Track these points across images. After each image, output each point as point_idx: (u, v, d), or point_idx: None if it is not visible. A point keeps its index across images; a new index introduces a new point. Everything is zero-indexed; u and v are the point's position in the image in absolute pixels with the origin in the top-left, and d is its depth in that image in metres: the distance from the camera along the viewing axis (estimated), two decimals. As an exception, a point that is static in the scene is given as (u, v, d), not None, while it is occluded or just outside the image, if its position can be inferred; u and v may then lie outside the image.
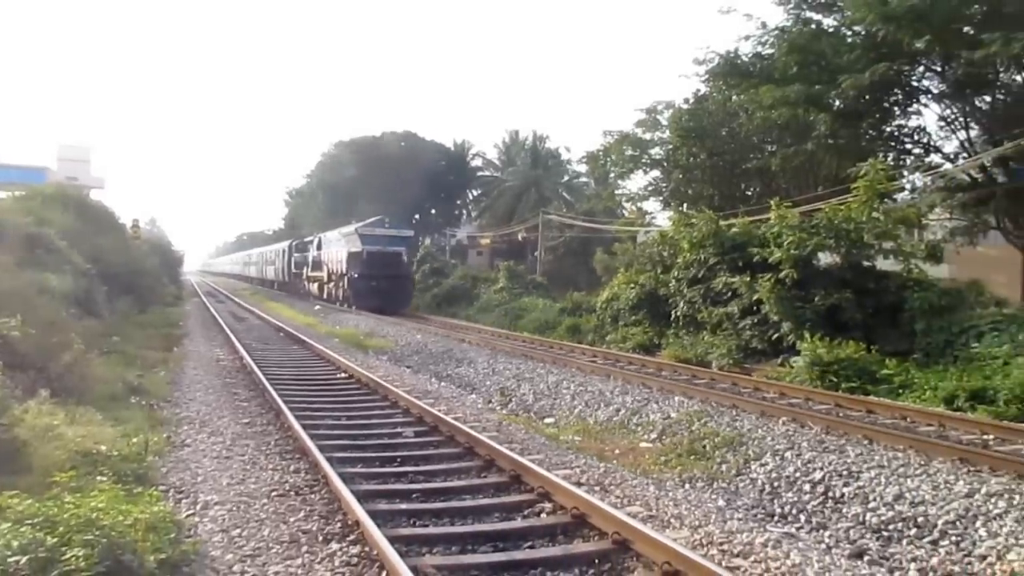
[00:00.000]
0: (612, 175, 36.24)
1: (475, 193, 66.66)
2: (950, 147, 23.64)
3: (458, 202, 66.98)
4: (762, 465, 9.29)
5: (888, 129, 23.95)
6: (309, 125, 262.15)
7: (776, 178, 27.37)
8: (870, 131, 23.45)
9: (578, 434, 11.60)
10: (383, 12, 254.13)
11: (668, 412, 12.08)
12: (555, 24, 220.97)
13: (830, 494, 8.20)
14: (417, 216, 58.34)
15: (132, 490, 5.86)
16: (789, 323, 16.69)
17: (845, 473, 8.52)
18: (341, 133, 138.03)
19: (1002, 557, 6.43)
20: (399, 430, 9.94)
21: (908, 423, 10.97)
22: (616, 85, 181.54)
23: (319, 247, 43.10)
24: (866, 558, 6.69)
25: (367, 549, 5.60)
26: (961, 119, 22.41)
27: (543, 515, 6.61)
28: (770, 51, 24.71)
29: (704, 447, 10.29)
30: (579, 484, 7.35)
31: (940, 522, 7.16)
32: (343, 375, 14.82)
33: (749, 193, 29.86)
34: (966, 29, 19.46)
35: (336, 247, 38.72)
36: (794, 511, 8.10)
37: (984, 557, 6.51)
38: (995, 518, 7.05)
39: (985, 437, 9.99)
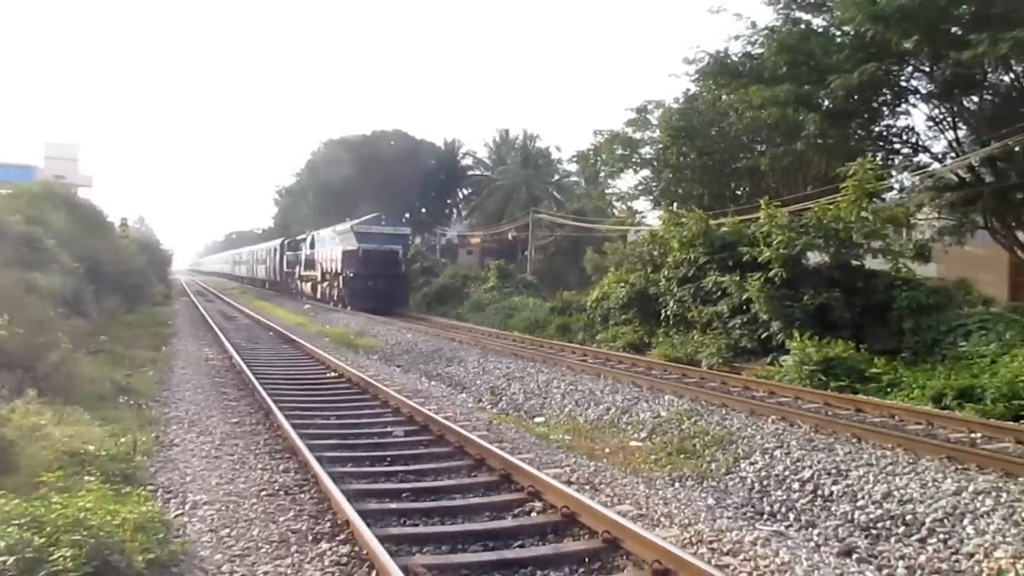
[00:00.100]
0: (602, 174, 36.18)
1: (465, 192, 66.57)
2: (938, 147, 23.77)
3: (448, 201, 66.92)
4: (751, 464, 9.32)
5: (877, 129, 24.02)
6: (298, 123, 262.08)
7: (765, 177, 27.43)
8: (859, 131, 23.52)
9: (568, 433, 11.62)
10: (374, 10, 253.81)
11: (658, 411, 12.11)
12: (545, 23, 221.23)
13: (819, 492, 8.24)
14: (408, 215, 58.13)
15: (120, 490, 5.82)
16: (778, 322, 16.75)
17: (834, 471, 8.56)
18: (331, 132, 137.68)
19: (989, 555, 6.47)
20: (389, 429, 9.93)
21: (896, 421, 11.02)
22: (606, 84, 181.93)
23: (312, 245, 42.00)
24: (854, 556, 6.73)
25: (357, 549, 5.59)
26: (949, 119, 22.52)
27: (533, 514, 6.62)
28: (760, 51, 24.75)
29: (694, 446, 10.32)
30: (569, 483, 7.36)
31: (928, 520, 7.20)
32: (333, 374, 14.79)
33: (739, 192, 29.92)
34: (954, 29, 19.54)
35: (330, 245, 37.71)
36: (783, 509, 8.14)
37: (971, 555, 6.55)
38: (982, 516, 7.10)
39: (973, 435, 10.04)
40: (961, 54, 17.92)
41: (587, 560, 5.60)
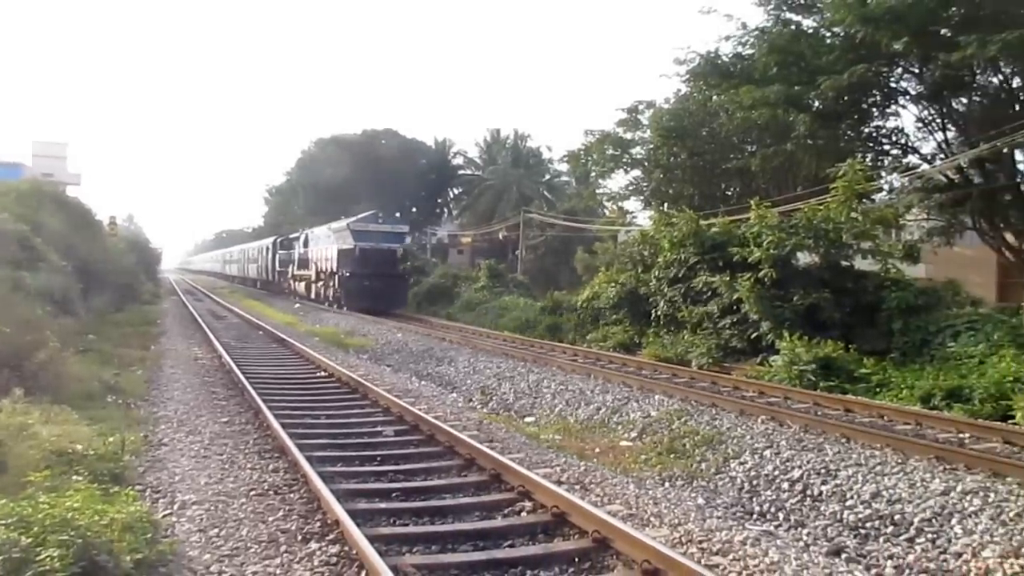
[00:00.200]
0: (593, 174, 36.23)
1: (456, 191, 66.51)
2: (927, 148, 23.97)
3: (439, 200, 66.79)
4: (741, 463, 9.34)
5: (866, 130, 24.17)
6: (289, 122, 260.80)
7: (756, 178, 27.51)
8: (849, 132, 23.65)
9: (558, 433, 11.62)
10: (364, 9, 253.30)
11: (648, 411, 12.13)
12: (536, 23, 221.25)
13: (808, 492, 8.27)
14: (398, 214, 58.00)
15: (108, 490, 5.78)
16: (768, 322, 16.81)
17: (823, 471, 8.59)
18: (321, 131, 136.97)
19: (977, 554, 6.51)
20: (379, 429, 9.90)
21: (885, 422, 11.06)
22: (597, 85, 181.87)
23: (306, 244, 40.91)
24: (843, 556, 6.75)
25: (347, 548, 5.57)
26: (938, 121, 22.68)
27: (523, 514, 6.61)
28: (750, 52, 24.87)
29: (684, 446, 10.34)
30: (559, 483, 7.36)
31: (916, 520, 7.24)
32: (323, 373, 14.74)
33: (729, 193, 30.00)
34: (943, 31, 19.68)
35: (325, 244, 36.68)
36: (773, 509, 8.16)
37: (960, 554, 6.58)
38: (970, 516, 7.14)
39: (961, 435, 10.09)
40: (950, 56, 18.05)
41: (577, 560, 5.60)
